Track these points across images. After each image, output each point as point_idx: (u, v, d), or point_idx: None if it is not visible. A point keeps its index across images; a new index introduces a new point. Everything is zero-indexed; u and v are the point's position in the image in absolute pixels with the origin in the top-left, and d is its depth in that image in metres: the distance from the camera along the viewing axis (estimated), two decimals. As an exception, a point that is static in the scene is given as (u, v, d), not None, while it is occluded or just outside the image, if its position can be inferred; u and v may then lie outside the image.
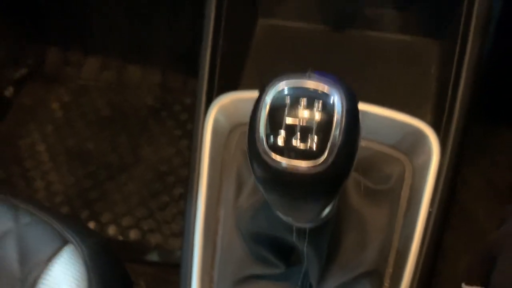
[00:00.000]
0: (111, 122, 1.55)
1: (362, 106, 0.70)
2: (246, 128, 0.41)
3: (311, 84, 0.39)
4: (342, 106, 0.38)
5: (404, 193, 0.67)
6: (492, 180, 1.32)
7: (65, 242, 0.68)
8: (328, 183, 0.39)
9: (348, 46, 0.89)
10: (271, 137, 0.39)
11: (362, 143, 0.70)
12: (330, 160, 0.38)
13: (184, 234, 0.71)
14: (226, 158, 0.74)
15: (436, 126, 0.72)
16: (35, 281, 0.66)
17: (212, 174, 0.72)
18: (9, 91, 1.62)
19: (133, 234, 1.37)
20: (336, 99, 0.39)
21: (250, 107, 0.40)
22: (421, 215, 0.64)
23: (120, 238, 1.37)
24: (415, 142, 0.68)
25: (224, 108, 0.73)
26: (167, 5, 1.60)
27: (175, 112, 1.54)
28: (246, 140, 0.41)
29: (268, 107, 0.39)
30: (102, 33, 1.66)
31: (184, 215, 0.71)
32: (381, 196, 0.66)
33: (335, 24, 0.90)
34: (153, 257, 1.34)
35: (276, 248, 0.62)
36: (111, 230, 1.38)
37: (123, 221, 1.39)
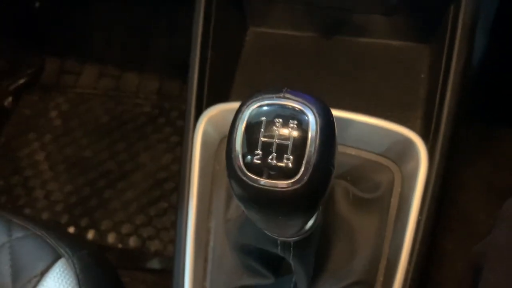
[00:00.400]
0: (109, 130, 1.56)
1: (350, 115, 0.71)
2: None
3: (286, 103, 0.40)
4: (316, 124, 0.39)
5: (394, 201, 0.67)
6: (492, 182, 1.31)
7: (57, 256, 0.69)
8: (305, 200, 0.40)
9: (337, 52, 0.89)
10: (248, 155, 0.39)
11: (351, 151, 0.71)
12: (306, 177, 0.38)
13: (175, 245, 0.71)
14: (216, 169, 0.75)
15: (426, 133, 0.72)
16: (28, 296, 0.67)
17: (202, 185, 0.72)
18: (7, 101, 1.63)
19: (132, 242, 1.38)
20: (310, 118, 0.39)
21: None
22: (410, 223, 0.64)
23: (120, 246, 1.37)
24: (403, 150, 0.68)
25: (213, 120, 0.73)
26: (165, 14, 1.61)
27: (172, 119, 1.55)
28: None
29: (244, 126, 0.40)
30: (100, 42, 1.67)
31: (175, 226, 0.72)
32: (371, 205, 0.66)
33: (324, 31, 0.90)
34: (153, 264, 1.34)
35: (265, 259, 0.62)
36: (111, 238, 1.39)
37: (122, 228, 1.40)
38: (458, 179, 1.27)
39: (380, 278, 0.66)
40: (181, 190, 0.72)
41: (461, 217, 1.28)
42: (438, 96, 0.72)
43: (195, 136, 0.72)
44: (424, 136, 0.69)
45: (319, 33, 0.90)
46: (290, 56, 0.90)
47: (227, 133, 0.75)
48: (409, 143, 0.67)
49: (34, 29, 1.68)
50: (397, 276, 0.64)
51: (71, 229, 1.41)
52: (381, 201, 0.67)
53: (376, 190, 0.67)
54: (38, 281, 0.66)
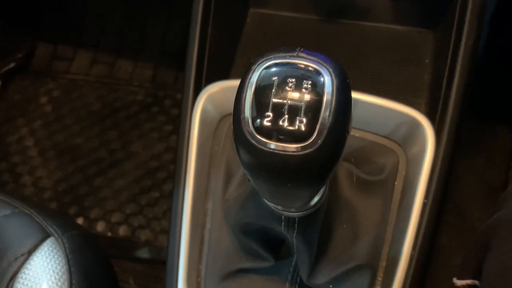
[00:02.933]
0: (101, 117, 1.53)
1: (355, 95, 0.68)
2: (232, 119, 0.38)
3: (300, 62, 0.37)
4: (333, 86, 0.36)
5: (398, 184, 0.65)
6: (486, 178, 1.31)
7: (46, 235, 0.66)
8: (317, 167, 0.37)
9: (341, 36, 0.87)
10: (258, 118, 0.36)
11: (355, 133, 0.69)
12: (319, 141, 0.36)
13: (170, 227, 0.68)
14: (215, 149, 0.72)
15: (431, 117, 0.70)
16: (14, 275, 0.63)
17: (200, 166, 0.70)
18: (-3, 85, 1.59)
19: (122, 231, 1.35)
20: (326, 79, 0.36)
21: None
22: (415, 206, 0.62)
23: (109, 234, 1.34)
24: (409, 132, 0.66)
25: (213, 97, 0.71)
26: (160, 1, 1.59)
27: (166, 107, 1.53)
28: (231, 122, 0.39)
29: (254, 86, 0.37)
30: (94, 28, 1.64)
31: (171, 208, 0.69)
32: (374, 187, 0.64)
33: (328, 14, 0.88)
34: (143, 254, 1.31)
35: (265, 240, 0.60)
36: (100, 226, 1.35)
37: (112, 217, 1.37)
38: (453, 174, 1.26)
39: (383, 263, 0.64)
40: (177, 169, 0.69)
41: (456, 212, 1.27)
42: (445, 79, 0.70)
43: (193, 113, 0.70)
44: (430, 120, 0.68)
45: (322, 16, 0.88)
46: (292, 39, 0.88)
47: (227, 112, 0.73)
48: (415, 124, 0.65)
49: (27, 12, 1.64)
50: (400, 262, 0.62)
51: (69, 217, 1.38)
52: (385, 184, 0.65)
53: (380, 173, 0.65)
54: (26, 259, 0.63)
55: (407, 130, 0.66)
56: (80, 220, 1.37)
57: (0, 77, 1.60)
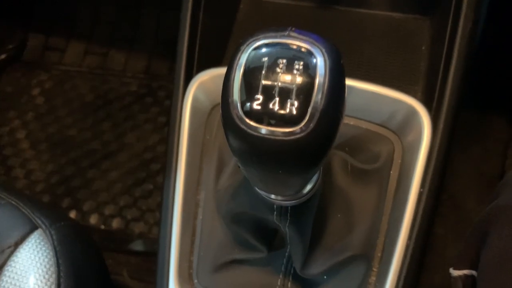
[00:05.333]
0: (94, 108, 1.51)
1: (350, 82, 0.67)
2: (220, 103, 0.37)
3: (292, 42, 0.36)
4: (325, 67, 0.35)
5: (394, 173, 0.64)
6: (482, 169, 1.30)
7: (33, 226, 0.64)
8: (309, 152, 0.36)
9: (336, 23, 0.85)
10: (247, 102, 0.35)
11: (350, 121, 0.67)
12: (311, 126, 0.34)
13: (161, 218, 0.67)
14: (207, 139, 0.70)
15: (428, 105, 0.68)
16: (1, 267, 0.62)
17: (191, 155, 0.68)
18: (-13, 77, 1.57)
19: (116, 223, 1.33)
20: (319, 59, 0.35)
21: None
22: (411, 195, 0.61)
23: (103, 227, 1.33)
24: (405, 120, 0.65)
25: (204, 85, 0.69)
26: None
27: (160, 98, 1.51)
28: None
29: (243, 68, 0.35)
30: (86, 18, 1.61)
31: (162, 199, 0.67)
32: (369, 176, 0.63)
33: (323, 1, 0.86)
34: (136, 246, 1.30)
35: (258, 231, 0.59)
36: (93, 219, 1.34)
37: (105, 209, 1.35)
38: (449, 165, 1.26)
39: (378, 253, 0.62)
40: (168, 159, 0.68)
41: (452, 203, 1.27)
42: (442, 66, 0.69)
43: (184, 102, 0.68)
44: (426, 108, 0.66)
45: (317, 3, 0.86)
46: (286, 26, 0.86)
47: (219, 100, 0.71)
48: (411, 112, 0.64)
49: (18, 2, 1.62)
50: (396, 252, 0.61)
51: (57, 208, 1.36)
52: (381, 172, 0.63)
53: (375, 161, 0.63)
54: (12, 252, 0.61)
55: (403, 118, 0.65)
56: (73, 213, 1.35)
57: (-9, 69, 1.58)
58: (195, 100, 0.68)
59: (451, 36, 0.70)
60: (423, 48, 0.80)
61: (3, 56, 1.61)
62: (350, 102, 0.66)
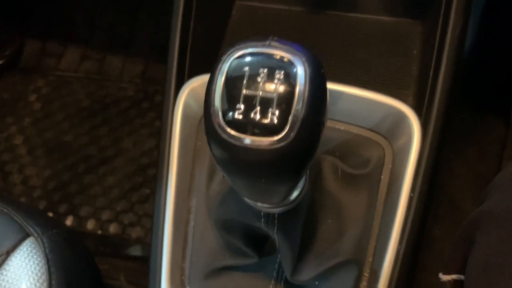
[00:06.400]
0: (91, 114, 1.51)
1: (339, 87, 0.67)
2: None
3: (273, 52, 0.36)
4: (305, 76, 0.35)
5: (384, 178, 0.64)
6: (479, 170, 1.30)
7: (25, 235, 0.64)
8: (291, 161, 0.36)
9: (328, 28, 0.85)
10: (229, 111, 0.35)
11: (340, 126, 0.67)
12: (292, 135, 0.34)
13: (153, 224, 0.67)
14: (199, 145, 0.71)
15: (418, 109, 0.69)
16: (-7, 276, 0.62)
17: (183, 162, 0.68)
18: (-16, 84, 1.58)
19: (112, 228, 1.33)
20: (299, 69, 0.35)
21: None
22: (401, 200, 0.61)
23: (99, 232, 1.33)
24: (395, 125, 0.65)
25: (195, 92, 0.69)
26: None
27: (157, 103, 1.51)
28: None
29: (224, 77, 0.36)
30: (83, 24, 1.62)
31: (153, 206, 0.68)
32: (360, 181, 0.63)
33: (315, 5, 0.86)
34: (134, 251, 1.30)
35: (248, 237, 0.59)
36: (90, 224, 1.34)
37: (102, 214, 1.36)
38: (445, 166, 1.26)
39: (369, 258, 0.63)
40: (160, 166, 0.68)
41: (448, 204, 1.27)
42: (432, 70, 0.69)
43: (175, 108, 0.68)
44: (417, 112, 0.66)
45: (309, 8, 0.86)
46: (278, 32, 0.86)
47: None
48: (401, 116, 0.64)
49: (15, 8, 1.62)
50: (387, 257, 0.61)
51: (49, 215, 1.36)
52: (371, 177, 0.64)
53: (365, 166, 0.64)
54: (4, 261, 0.62)
55: (392, 123, 0.65)
56: (70, 219, 1.35)
57: (-12, 75, 1.58)
58: (186, 106, 0.69)
59: (441, 40, 0.71)
60: (414, 52, 0.80)
61: (0, 62, 1.61)
62: (340, 107, 0.66)
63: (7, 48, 1.62)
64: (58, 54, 1.62)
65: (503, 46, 1.27)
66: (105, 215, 1.36)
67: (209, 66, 0.80)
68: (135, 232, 1.33)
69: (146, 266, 1.29)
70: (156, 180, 0.68)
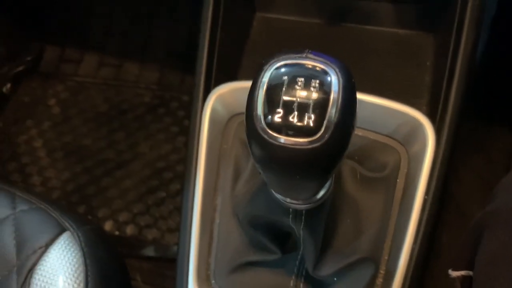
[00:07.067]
0: (108, 118, 1.55)
1: (359, 96, 0.71)
2: (244, 115, 0.41)
3: (308, 63, 0.40)
4: (339, 85, 0.39)
5: (400, 181, 0.68)
6: (486, 178, 1.32)
7: (62, 229, 0.69)
8: (324, 160, 0.40)
9: (344, 39, 0.90)
10: (269, 115, 0.39)
11: (359, 132, 0.72)
12: (326, 136, 0.38)
13: (181, 222, 0.71)
14: (224, 148, 0.75)
15: (432, 117, 0.72)
16: (32, 267, 0.66)
17: (209, 163, 0.72)
18: (6, 88, 1.62)
19: (129, 230, 1.37)
20: (333, 78, 0.39)
21: None
22: (416, 202, 0.65)
23: (117, 233, 1.37)
24: (410, 132, 0.69)
25: (222, 98, 0.74)
26: (166, 4, 1.62)
27: (173, 109, 1.55)
28: (244, 120, 0.42)
29: (266, 85, 0.40)
30: (101, 31, 1.66)
31: (181, 204, 0.72)
32: (377, 184, 0.67)
33: (331, 18, 0.91)
34: (149, 252, 1.34)
35: (273, 233, 0.63)
36: (108, 226, 1.38)
37: (120, 216, 1.40)
38: (453, 173, 1.28)
39: (385, 257, 0.66)
40: (188, 166, 0.72)
41: (456, 211, 1.29)
42: (445, 80, 0.73)
43: (203, 112, 0.72)
44: (430, 121, 0.70)
45: (325, 20, 0.91)
46: (296, 42, 0.91)
47: (235, 112, 0.76)
48: (416, 124, 0.68)
49: (35, 16, 1.68)
50: (402, 255, 0.65)
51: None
52: (388, 180, 0.68)
53: (382, 170, 0.68)
54: (43, 252, 0.66)
55: (408, 130, 0.69)
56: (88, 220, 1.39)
57: (9, 80, 1.63)
58: (213, 111, 0.73)
59: (454, 52, 0.75)
60: (427, 63, 0.84)
61: (20, 68, 1.66)
62: (359, 114, 0.70)
63: (28, 54, 1.67)
64: (76, 60, 1.67)
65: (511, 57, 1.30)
66: (122, 217, 1.40)
67: (234, 72, 0.85)
68: (151, 234, 1.37)
69: (162, 266, 1.33)
70: (184, 179, 0.72)
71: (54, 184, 1.47)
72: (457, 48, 0.73)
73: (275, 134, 0.39)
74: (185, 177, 0.72)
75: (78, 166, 1.48)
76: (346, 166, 0.66)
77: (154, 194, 1.42)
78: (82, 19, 1.69)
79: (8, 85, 1.63)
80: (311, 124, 0.38)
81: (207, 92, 0.75)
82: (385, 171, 0.67)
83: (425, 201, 0.65)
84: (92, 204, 1.42)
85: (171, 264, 0.78)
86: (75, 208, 1.41)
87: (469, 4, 0.74)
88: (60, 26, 1.70)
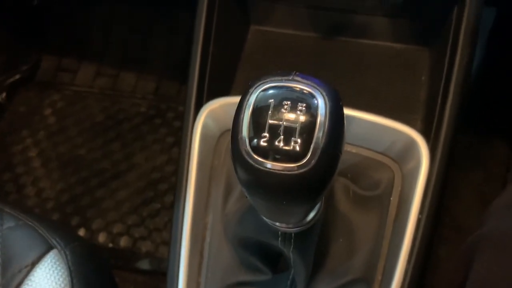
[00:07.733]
0: (104, 129, 1.55)
1: (352, 112, 0.70)
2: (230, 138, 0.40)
3: (295, 86, 0.39)
4: (326, 109, 0.38)
5: (394, 199, 0.67)
6: (484, 192, 1.32)
7: (49, 247, 0.67)
8: (311, 185, 0.39)
9: (339, 53, 0.89)
10: (254, 138, 0.38)
11: (352, 149, 0.71)
12: (313, 161, 0.37)
13: (171, 239, 0.70)
14: (215, 164, 0.74)
15: (426, 134, 0.72)
16: (18, 286, 0.65)
17: (200, 179, 0.71)
18: (2, 97, 1.62)
19: (123, 242, 1.36)
20: (320, 101, 0.38)
21: None
22: (410, 221, 0.64)
23: (110, 245, 1.36)
24: (404, 149, 0.68)
25: (214, 113, 0.73)
26: (164, 14, 1.62)
27: (169, 120, 1.55)
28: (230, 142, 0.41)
29: (251, 108, 0.39)
30: (98, 41, 1.66)
31: (172, 220, 0.71)
32: (370, 202, 0.66)
33: (326, 32, 0.90)
34: (143, 265, 1.33)
35: (263, 254, 0.61)
36: (102, 237, 1.37)
37: (114, 228, 1.38)
38: (451, 188, 1.27)
39: (379, 277, 0.65)
40: (178, 182, 0.71)
41: (454, 225, 1.28)
42: (440, 97, 0.72)
43: (194, 128, 0.71)
44: (425, 136, 0.69)
45: (320, 34, 0.90)
46: (291, 56, 0.90)
47: (227, 127, 0.75)
48: (410, 142, 0.67)
49: (32, 25, 1.68)
50: (395, 276, 0.63)
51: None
52: (381, 199, 0.66)
53: (376, 188, 0.66)
54: (29, 272, 0.64)
55: (402, 147, 0.68)
56: (81, 231, 1.38)
57: (5, 89, 1.62)
58: (204, 127, 0.72)
59: (449, 67, 0.74)
60: (422, 78, 0.83)
61: (17, 77, 1.65)
62: (352, 131, 0.69)
63: (25, 63, 1.66)
64: (73, 70, 1.67)
65: (508, 70, 1.30)
66: (116, 229, 1.38)
67: (226, 87, 0.84)
68: (145, 246, 1.35)
69: (155, 279, 1.31)
70: (174, 196, 0.71)
71: (48, 195, 1.46)
72: (452, 63, 0.73)
73: (260, 159, 0.38)
74: (175, 195, 0.71)
75: (73, 176, 1.47)
76: (339, 184, 0.65)
77: (149, 205, 1.41)
78: (80, 29, 1.69)
79: (4, 95, 1.63)
80: (298, 149, 0.37)
81: (198, 107, 0.74)
82: (379, 189, 0.66)
83: (419, 220, 0.64)
84: (87, 215, 1.40)
85: (165, 278, 0.76)
86: (69, 219, 1.40)
87: (464, 19, 0.73)
88: (57, 36, 1.69)
